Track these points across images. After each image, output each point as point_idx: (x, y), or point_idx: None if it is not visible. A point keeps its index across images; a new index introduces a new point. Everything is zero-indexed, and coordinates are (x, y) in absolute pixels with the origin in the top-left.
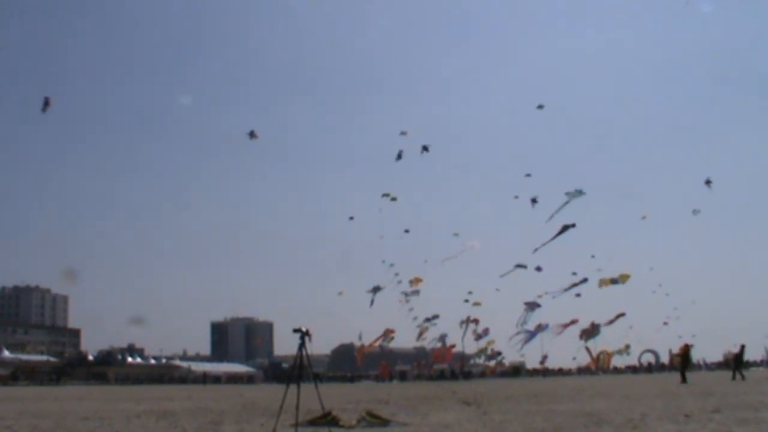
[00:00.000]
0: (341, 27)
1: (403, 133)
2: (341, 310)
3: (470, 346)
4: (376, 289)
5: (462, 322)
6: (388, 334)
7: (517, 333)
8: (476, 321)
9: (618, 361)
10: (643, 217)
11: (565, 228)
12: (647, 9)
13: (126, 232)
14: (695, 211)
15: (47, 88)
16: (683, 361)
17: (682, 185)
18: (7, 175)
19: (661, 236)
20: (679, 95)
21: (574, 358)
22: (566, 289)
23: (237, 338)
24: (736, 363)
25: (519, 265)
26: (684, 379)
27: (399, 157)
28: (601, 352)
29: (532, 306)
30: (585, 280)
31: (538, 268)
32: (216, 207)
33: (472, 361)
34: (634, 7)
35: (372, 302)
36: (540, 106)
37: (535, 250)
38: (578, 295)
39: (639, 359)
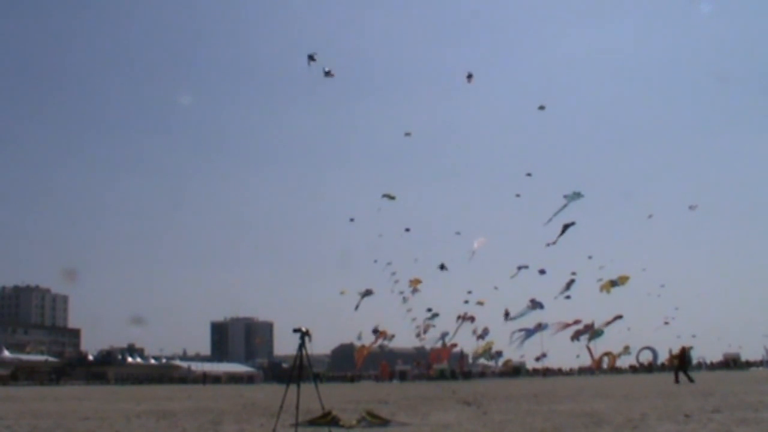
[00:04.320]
0: (341, 27)
1: (407, 134)
2: (341, 310)
3: (468, 345)
4: (367, 293)
5: (459, 317)
6: (382, 335)
7: (515, 331)
8: (472, 318)
9: (618, 361)
10: (650, 216)
11: (566, 227)
12: (647, 9)
13: (126, 232)
14: (692, 207)
15: (47, 87)
16: (680, 362)
17: (682, 185)
18: (7, 175)
19: (660, 236)
20: (679, 95)
21: (578, 356)
22: (563, 291)
23: (237, 338)
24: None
25: (521, 267)
26: (677, 380)
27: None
28: (606, 354)
29: (534, 305)
30: (573, 281)
31: (542, 271)
32: (216, 207)
33: (480, 361)
34: (634, 8)
35: (357, 306)
36: (541, 107)
37: (549, 244)
38: (568, 297)
39: (637, 357)
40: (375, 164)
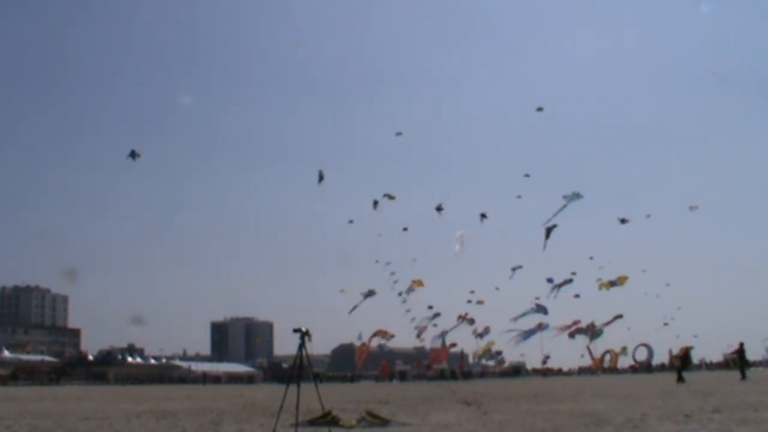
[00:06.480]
0: (341, 26)
1: (398, 134)
2: (341, 310)
3: (468, 345)
4: (369, 294)
5: (459, 317)
6: (379, 334)
7: (510, 330)
8: (472, 320)
9: (618, 361)
10: (648, 216)
11: (548, 231)
12: (647, 9)
13: (126, 232)
14: (692, 207)
15: (47, 87)
16: (682, 363)
17: (682, 185)
18: (7, 175)
19: (660, 236)
20: (679, 95)
21: (582, 356)
22: (554, 290)
23: (237, 338)
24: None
25: (515, 267)
26: (679, 379)
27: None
28: (608, 352)
29: (539, 308)
30: (570, 281)
31: (550, 280)
32: (216, 207)
33: (482, 361)
34: (633, 8)
35: (353, 310)
36: (539, 109)
37: (544, 247)
38: (577, 296)
39: (633, 355)
40: (374, 164)
